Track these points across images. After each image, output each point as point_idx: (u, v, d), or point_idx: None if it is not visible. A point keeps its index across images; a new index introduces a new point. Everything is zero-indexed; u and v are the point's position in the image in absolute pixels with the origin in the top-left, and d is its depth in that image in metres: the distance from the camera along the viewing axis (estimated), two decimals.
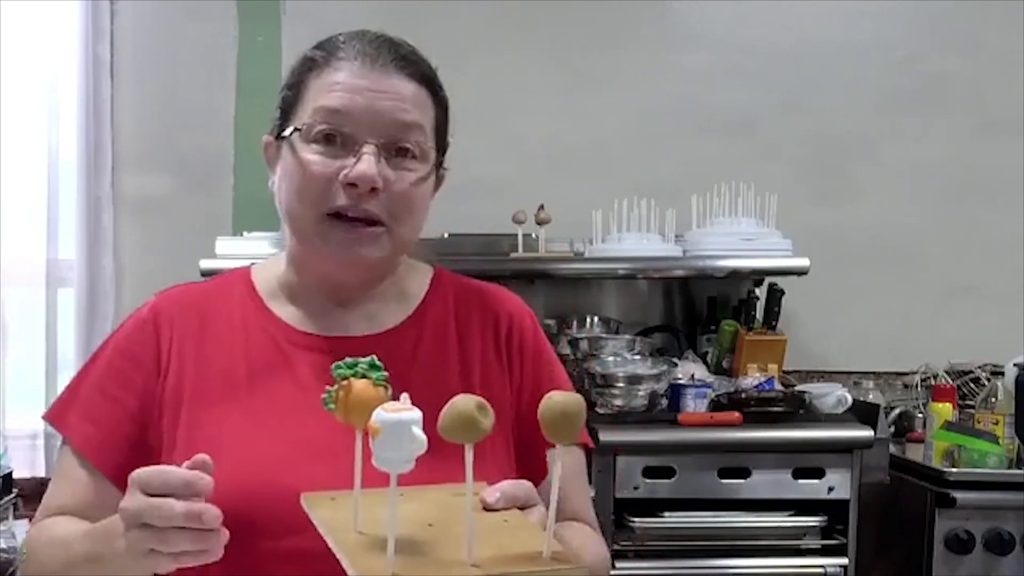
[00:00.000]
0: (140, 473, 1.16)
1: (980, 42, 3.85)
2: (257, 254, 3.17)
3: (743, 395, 3.04)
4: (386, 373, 1.11)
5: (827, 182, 3.83)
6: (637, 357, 3.13)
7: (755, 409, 2.96)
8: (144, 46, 3.74)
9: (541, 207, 3.32)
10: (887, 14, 3.85)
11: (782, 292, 3.43)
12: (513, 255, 3.29)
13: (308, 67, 1.43)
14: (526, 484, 1.18)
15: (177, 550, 1.13)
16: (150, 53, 3.74)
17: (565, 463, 1.47)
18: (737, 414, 2.92)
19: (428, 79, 1.45)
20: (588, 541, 1.48)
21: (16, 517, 3.20)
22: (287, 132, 1.41)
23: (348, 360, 1.10)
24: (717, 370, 3.36)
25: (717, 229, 3.33)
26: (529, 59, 3.72)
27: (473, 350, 1.50)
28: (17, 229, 3.59)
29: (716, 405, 3.02)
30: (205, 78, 3.74)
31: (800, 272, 3.28)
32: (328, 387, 1.09)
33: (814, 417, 3.02)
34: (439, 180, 1.51)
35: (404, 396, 1.03)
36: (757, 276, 3.47)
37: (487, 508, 1.13)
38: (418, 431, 1.00)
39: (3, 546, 3.03)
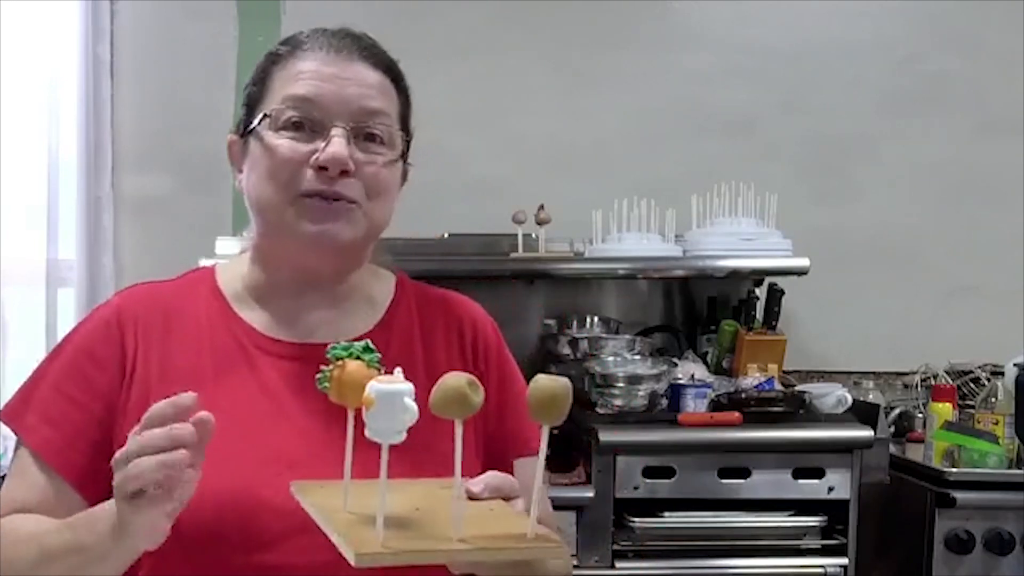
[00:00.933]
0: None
1: (980, 42, 3.85)
2: None
3: (743, 395, 3.04)
4: (379, 355, 1.12)
5: (827, 182, 3.83)
6: (637, 357, 3.13)
7: (755, 409, 2.96)
8: (144, 46, 3.73)
9: (541, 207, 3.31)
10: (887, 14, 3.85)
11: (782, 292, 3.43)
12: (513, 255, 3.29)
13: (272, 61, 1.45)
14: (510, 477, 1.19)
15: (159, 474, 1.10)
16: (150, 53, 3.74)
17: (530, 469, 1.48)
18: (737, 414, 2.92)
19: (391, 69, 1.46)
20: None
21: None
22: (255, 121, 1.42)
23: (343, 343, 1.12)
24: (717, 370, 3.36)
25: (717, 229, 3.33)
26: (529, 59, 3.72)
27: (438, 358, 1.48)
28: (17, 229, 3.58)
29: (716, 405, 3.02)
30: (205, 78, 3.74)
31: (800, 272, 3.28)
32: (322, 367, 1.11)
33: (814, 417, 3.02)
34: (404, 174, 1.51)
35: (397, 370, 1.06)
36: (757, 276, 3.47)
37: (472, 497, 1.14)
38: (410, 402, 1.03)
39: None
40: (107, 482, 1.16)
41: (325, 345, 1.41)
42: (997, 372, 3.32)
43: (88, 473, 1.37)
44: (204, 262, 3.14)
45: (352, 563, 0.98)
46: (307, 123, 1.38)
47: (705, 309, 3.61)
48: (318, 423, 1.35)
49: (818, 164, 3.83)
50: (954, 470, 2.93)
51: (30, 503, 1.38)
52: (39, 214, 3.57)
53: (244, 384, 1.40)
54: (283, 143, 1.37)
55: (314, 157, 1.35)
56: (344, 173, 1.36)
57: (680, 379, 3.09)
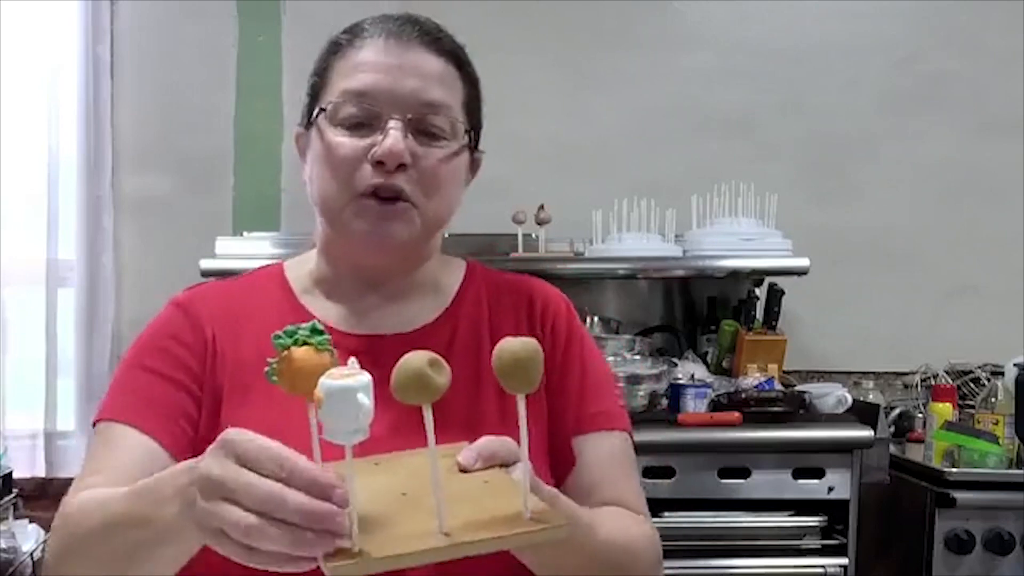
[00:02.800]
0: (237, 436, 0.97)
1: (980, 42, 3.85)
2: (257, 254, 3.20)
3: (743, 395, 3.03)
4: (328, 336, 1.01)
5: (827, 182, 3.83)
6: (637, 357, 3.12)
7: (755, 409, 2.96)
8: (144, 46, 3.74)
9: (541, 207, 3.32)
10: (887, 14, 3.85)
11: (782, 292, 3.43)
12: (513, 255, 3.29)
13: (333, 51, 1.42)
14: (507, 440, 1.07)
15: (268, 548, 0.92)
16: (150, 53, 3.74)
17: (603, 448, 1.45)
18: (737, 414, 2.92)
19: (455, 56, 1.43)
20: (621, 522, 1.36)
21: (16, 517, 3.20)
22: (315, 116, 1.39)
23: (288, 328, 1.01)
24: (717, 370, 3.36)
25: (717, 229, 3.33)
26: (529, 59, 3.72)
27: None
28: (17, 229, 3.59)
29: (716, 405, 3.01)
30: (205, 78, 3.75)
31: (800, 272, 3.28)
32: (269, 359, 1.00)
33: (814, 417, 3.02)
34: (475, 164, 1.49)
35: (352, 360, 0.98)
36: (757, 276, 3.46)
37: (463, 470, 1.06)
38: (364, 398, 0.93)
39: (3, 546, 3.03)
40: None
41: (393, 337, 1.41)
42: (997, 372, 3.32)
43: (189, 446, 1.30)
44: (204, 262, 3.18)
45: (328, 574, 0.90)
46: (364, 117, 1.35)
47: (705, 309, 3.60)
48: (386, 422, 1.17)
49: (818, 164, 3.83)
50: (954, 470, 2.93)
51: (121, 470, 1.26)
52: (39, 214, 3.58)
53: None
54: (341, 140, 1.35)
55: (372, 152, 1.33)
56: (401, 167, 1.33)
57: (680, 379, 3.09)
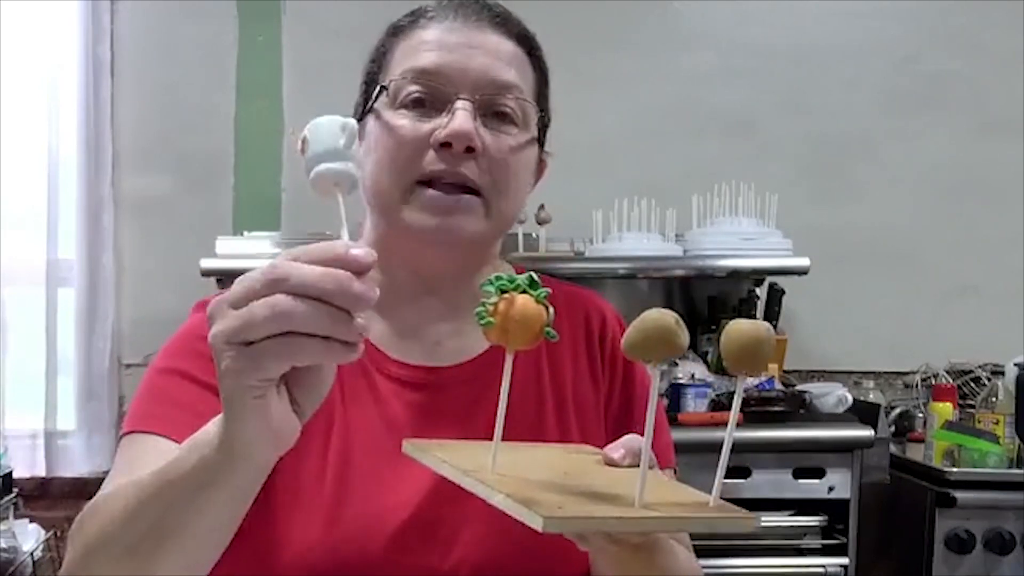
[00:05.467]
0: (225, 294, 0.87)
1: (980, 42, 3.85)
2: (258, 253, 3.20)
3: (744, 395, 3.02)
4: (548, 290, 0.95)
5: (827, 182, 3.83)
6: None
7: (755, 409, 2.96)
8: (144, 46, 3.74)
9: (541, 207, 3.32)
10: (887, 14, 3.84)
11: (782, 292, 3.43)
12: (513, 255, 3.27)
13: (392, 33, 1.31)
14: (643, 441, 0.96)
15: (305, 350, 0.83)
16: (150, 53, 3.74)
17: None
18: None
19: (526, 40, 1.32)
20: (691, 558, 1.28)
21: (16, 517, 3.20)
22: (372, 96, 1.27)
23: (498, 274, 0.94)
24: (717, 369, 3.35)
25: (717, 229, 3.33)
26: None
27: (564, 368, 1.33)
28: (17, 229, 3.59)
29: (716, 405, 3.02)
30: (205, 78, 3.75)
31: (800, 272, 3.27)
32: (483, 300, 0.93)
33: (814, 417, 3.02)
34: (541, 167, 1.35)
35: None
36: (757, 276, 3.47)
37: (611, 464, 1.01)
38: (349, 120, 0.90)
39: (3, 546, 3.03)
40: None
41: (453, 369, 1.27)
42: (998, 372, 3.33)
43: None
44: (204, 262, 3.17)
45: (539, 528, 0.81)
46: (429, 98, 1.23)
47: (706, 308, 3.60)
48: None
49: (818, 164, 3.83)
50: (954, 470, 2.93)
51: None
52: (39, 214, 3.58)
53: (366, 415, 1.23)
54: (403, 122, 1.22)
55: (436, 134, 1.20)
56: (469, 151, 1.20)
57: (680, 379, 3.09)
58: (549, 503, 0.84)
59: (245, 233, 3.49)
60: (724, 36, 3.83)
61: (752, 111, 3.81)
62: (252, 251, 3.23)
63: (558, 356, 1.33)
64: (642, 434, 1.09)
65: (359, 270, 0.82)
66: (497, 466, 0.94)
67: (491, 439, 0.95)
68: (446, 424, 1.12)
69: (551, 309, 0.94)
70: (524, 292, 0.93)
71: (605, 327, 1.38)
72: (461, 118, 1.20)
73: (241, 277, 0.85)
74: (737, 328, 0.89)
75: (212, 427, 0.92)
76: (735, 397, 0.92)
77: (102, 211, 3.63)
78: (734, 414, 0.93)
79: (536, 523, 0.82)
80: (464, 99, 1.21)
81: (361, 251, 0.83)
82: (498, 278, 0.94)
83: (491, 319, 0.93)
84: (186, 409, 1.15)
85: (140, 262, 3.70)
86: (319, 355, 0.83)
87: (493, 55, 1.25)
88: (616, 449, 1.01)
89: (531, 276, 0.94)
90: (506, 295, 0.93)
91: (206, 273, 3.15)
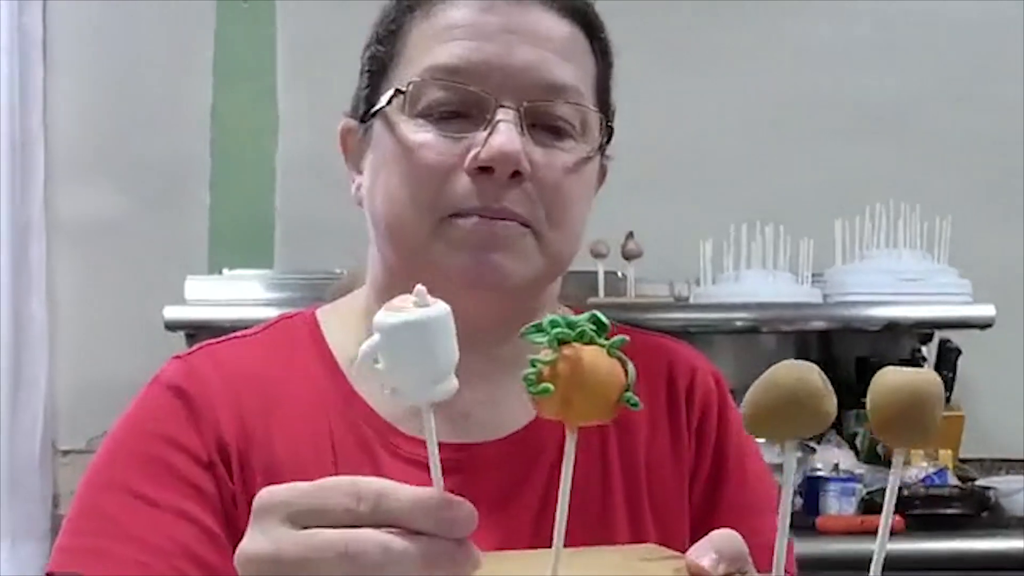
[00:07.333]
0: (282, 493, 0.90)
1: None
2: (241, 299, 3.24)
3: (905, 492, 3.06)
4: (626, 338, 0.91)
5: (1018, 201, 3.82)
6: (761, 440, 3.15)
7: (921, 511, 3.00)
8: (88, 15, 3.79)
9: (629, 235, 3.33)
10: None
11: (958, 351, 3.46)
12: (591, 300, 3.30)
13: (408, 7, 1.31)
14: (738, 538, 0.97)
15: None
16: (95, 25, 3.80)
17: None
18: (897, 517, 2.94)
19: (584, 17, 1.32)
20: None
21: None
22: (382, 102, 1.28)
23: (551, 318, 0.90)
24: (868, 458, 3.38)
25: (869, 265, 3.39)
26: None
27: (638, 443, 1.36)
28: None
29: (868, 505, 3.05)
30: (168, 60, 3.80)
31: (983, 324, 3.32)
32: (533, 358, 0.89)
33: (1002, 522, 3.06)
34: (602, 173, 1.38)
35: (419, 288, 0.88)
36: (924, 329, 3.52)
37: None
38: (441, 331, 0.88)
39: None
40: None
41: (486, 447, 1.29)
42: None
43: None
44: (169, 310, 3.22)
45: None
46: (460, 104, 1.24)
47: (854, 374, 3.63)
48: (491, 545, 1.04)
49: (1005, 177, 3.83)
50: None
51: None
52: None
53: None
54: (427, 139, 1.24)
55: (472, 154, 1.22)
56: (516, 175, 1.22)
57: (819, 470, 3.16)
58: None
59: (225, 271, 3.53)
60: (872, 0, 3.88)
61: (912, 104, 3.83)
62: (234, 296, 3.28)
63: (631, 427, 1.35)
64: (736, 520, 1.16)
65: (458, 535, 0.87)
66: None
67: (529, 535, 1.02)
68: (483, 506, 1.05)
69: (631, 366, 0.91)
70: (591, 342, 0.90)
71: (694, 386, 1.40)
72: (505, 134, 1.21)
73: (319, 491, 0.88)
74: (892, 377, 0.85)
75: None
76: (889, 486, 0.86)
77: (30, 240, 3.65)
78: (887, 515, 0.87)
79: None
80: (507, 107, 1.23)
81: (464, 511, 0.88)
82: (553, 323, 0.90)
83: (547, 385, 0.88)
84: (133, 542, 1.18)
85: (82, 310, 3.72)
86: None
87: (544, 43, 1.26)
88: (705, 553, 0.95)
89: (595, 316, 0.91)
90: (566, 347, 0.89)
91: (171, 325, 3.20)
